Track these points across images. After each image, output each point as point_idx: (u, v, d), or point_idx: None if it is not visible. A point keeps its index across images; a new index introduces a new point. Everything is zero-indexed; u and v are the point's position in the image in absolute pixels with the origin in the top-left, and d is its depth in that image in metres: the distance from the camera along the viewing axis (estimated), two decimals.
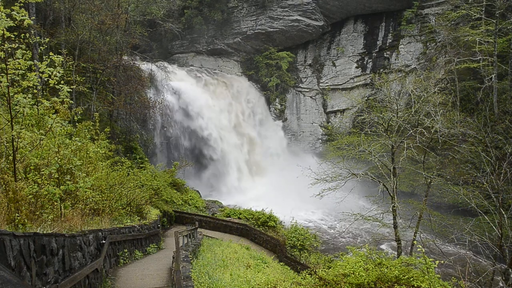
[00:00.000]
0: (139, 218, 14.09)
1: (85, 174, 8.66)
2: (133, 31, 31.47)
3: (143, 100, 29.68)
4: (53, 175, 6.74)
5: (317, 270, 9.73)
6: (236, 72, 52.78)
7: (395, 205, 16.47)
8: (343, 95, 49.63)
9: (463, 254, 23.49)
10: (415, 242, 17.15)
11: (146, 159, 29.35)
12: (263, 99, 51.53)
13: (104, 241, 8.33)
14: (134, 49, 37.22)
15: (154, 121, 36.24)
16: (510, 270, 11.10)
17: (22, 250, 3.74)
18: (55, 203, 6.62)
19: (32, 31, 19.40)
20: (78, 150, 9.67)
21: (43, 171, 6.64)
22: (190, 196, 29.00)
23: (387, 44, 47.56)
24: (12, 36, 5.86)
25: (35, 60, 7.68)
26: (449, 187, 18.89)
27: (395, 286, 7.30)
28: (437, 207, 23.54)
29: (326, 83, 52.22)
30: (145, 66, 35.49)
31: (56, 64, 6.64)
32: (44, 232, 4.91)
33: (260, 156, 47.55)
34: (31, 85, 6.33)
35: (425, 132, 17.81)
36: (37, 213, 5.96)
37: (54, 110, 9.73)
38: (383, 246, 26.89)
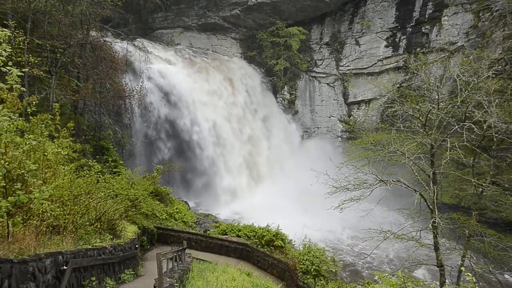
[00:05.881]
0: (111, 237, 14.12)
1: (41, 182, 8.66)
2: (104, 0, 31.38)
3: (117, 88, 29.67)
4: None
5: None
6: (234, 53, 52.80)
7: (436, 221, 16.33)
8: (369, 82, 49.57)
9: None
10: (462, 268, 17.02)
11: (121, 162, 29.41)
12: (268, 86, 51.48)
13: (65, 267, 8.35)
14: (105, 23, 37.20)
15: (131, 115, 36.27)
16: None
17: None
18: (1, 219, 6.59)
19: None
20: (33, 150, 9.60)
21: None
22: (176, 208, 29.13)
23: (426, 16, 47.33)
24: None
25: None
26: (507, 198, 18.73)
27: None
28: (492, 224, 23.40)
29: (348, 66, 52.12)
30: (120, 45, 35.50)
31: (1, 40, 6.54)
32: None
33: (263, 158, 47.53)
34: None
35: (475, 128, 17.63)
36: None
37: None
38: (420, 272, 26.76)
